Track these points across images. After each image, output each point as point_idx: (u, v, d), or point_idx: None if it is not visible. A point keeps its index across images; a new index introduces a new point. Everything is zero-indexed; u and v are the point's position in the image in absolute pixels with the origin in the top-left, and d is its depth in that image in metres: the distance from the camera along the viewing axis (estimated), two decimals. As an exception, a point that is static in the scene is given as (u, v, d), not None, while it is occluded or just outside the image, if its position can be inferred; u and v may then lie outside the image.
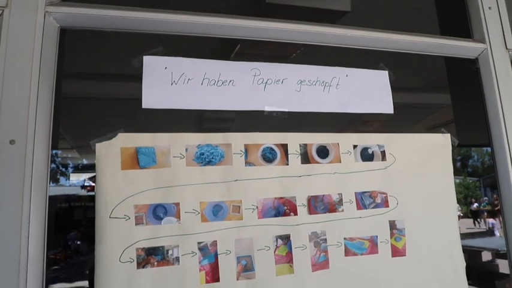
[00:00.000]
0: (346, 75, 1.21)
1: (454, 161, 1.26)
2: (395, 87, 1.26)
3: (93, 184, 0.95)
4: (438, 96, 1.55)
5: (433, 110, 1.50)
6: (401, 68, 1.33)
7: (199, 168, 1.02)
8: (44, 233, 0.91)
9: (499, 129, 1.34)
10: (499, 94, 1.36)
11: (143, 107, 1.01)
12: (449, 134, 1.27)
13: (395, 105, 1.24)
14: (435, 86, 1.54)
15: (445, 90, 1.48)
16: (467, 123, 1.45)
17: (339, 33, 1.20)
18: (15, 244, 0.88)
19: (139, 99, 1.02)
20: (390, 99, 1.23)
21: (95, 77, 1.24)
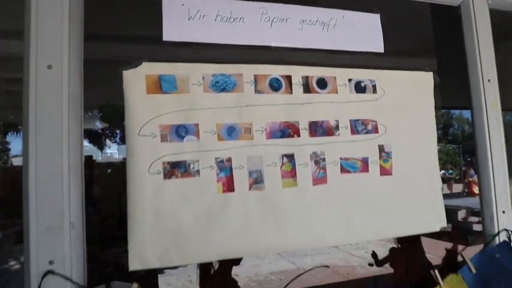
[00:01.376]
0: (343, 17, 1.33)
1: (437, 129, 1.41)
2: (385, 31, 1.40)
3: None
4: (423, 41, 1.70)
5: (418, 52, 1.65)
6: (392, 15, 1.46)
7: (214, 95, 1.15)
8: (81, 144, 1.05)
9: (476, 71, 1.50)
10: (477, 39, 1.51)
11: (164, 39, 1.13)
12: (431, 72, 1.43)
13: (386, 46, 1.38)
14: (420, 32, 1.69)
15: (429, 36, 1.63)
16: (449, 65, 1.61)
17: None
18: (58, 154, 1.01)
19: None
20: (381, 39, 1.37)
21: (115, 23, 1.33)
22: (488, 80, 1.50)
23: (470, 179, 10.65)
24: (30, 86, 1.01)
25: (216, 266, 2.15)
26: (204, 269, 2.14)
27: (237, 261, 2.23)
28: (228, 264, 2.22)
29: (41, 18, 1.03)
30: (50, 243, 0.99)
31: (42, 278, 0.97)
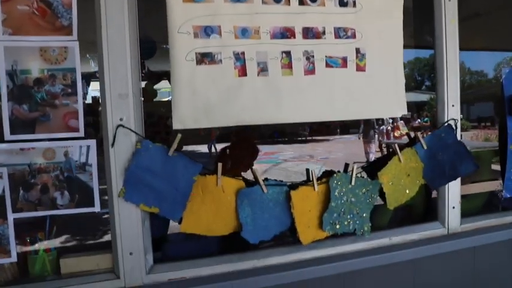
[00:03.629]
0: None
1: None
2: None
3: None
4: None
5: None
6: None
7: (232, 4, 1.54)
8: (138, 46, 1.46)
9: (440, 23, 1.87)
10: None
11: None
12: (404, -6, 1.80)
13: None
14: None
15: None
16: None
17: None
18: (123, 51, 1.42)
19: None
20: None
21: None
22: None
23: (396, 123, 11.20)
24: (102, 9, 1.40)
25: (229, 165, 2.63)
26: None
27: (245, 168, 2.73)
28: (241, 169, 2.71)
29: None
30: (120, 106, 1.44)
31: (116, 129, 1.43)
